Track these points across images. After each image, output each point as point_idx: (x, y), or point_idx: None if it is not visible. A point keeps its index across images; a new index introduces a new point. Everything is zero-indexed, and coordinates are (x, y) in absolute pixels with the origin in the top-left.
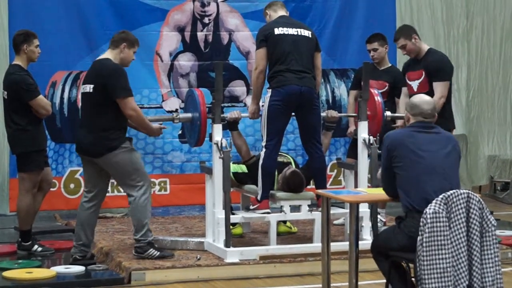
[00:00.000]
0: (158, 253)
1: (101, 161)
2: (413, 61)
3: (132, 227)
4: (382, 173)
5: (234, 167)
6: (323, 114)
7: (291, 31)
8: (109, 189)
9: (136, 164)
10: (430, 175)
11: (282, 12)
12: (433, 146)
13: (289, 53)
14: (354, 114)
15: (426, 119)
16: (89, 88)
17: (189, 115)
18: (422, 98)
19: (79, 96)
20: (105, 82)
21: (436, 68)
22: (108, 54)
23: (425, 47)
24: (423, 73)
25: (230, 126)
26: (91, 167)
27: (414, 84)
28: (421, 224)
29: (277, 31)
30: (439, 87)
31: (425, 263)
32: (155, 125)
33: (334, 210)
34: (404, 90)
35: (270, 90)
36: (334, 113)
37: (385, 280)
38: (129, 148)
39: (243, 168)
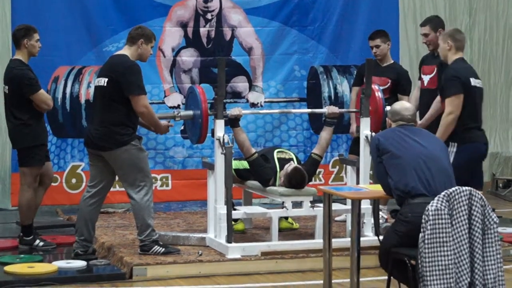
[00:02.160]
0: (163, 249)
1: (109, 155)
2: (430, 56)
3: (136, 227)
4: (376, 171)
5: (235, 164)
6: (324, 109)
7: (477, 82)
8: None
9: (143, 164)
10: (421, 158)
11: (462, 53)
12: (418, 138)
13: (479, 112)
14: (355, 110)
15: (408, 123)
16: (103, 81)
17: (190, 112)
18: (403, 105)
19: (82, 91)
20: (120, 77)
21: None
22: (126, 51)
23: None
24: (436, 68)
25: (232, 122)
26: (99, 162)
27: (426, 78)
28: (423, 221)
29: (473, 82)
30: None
31: (427, 260)
32: (163, 122)
33: (335, 207)
34: (418, 83)
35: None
36: (334, 109)
37: (386, 277)
38: (138, 147)
39: (244, 164)
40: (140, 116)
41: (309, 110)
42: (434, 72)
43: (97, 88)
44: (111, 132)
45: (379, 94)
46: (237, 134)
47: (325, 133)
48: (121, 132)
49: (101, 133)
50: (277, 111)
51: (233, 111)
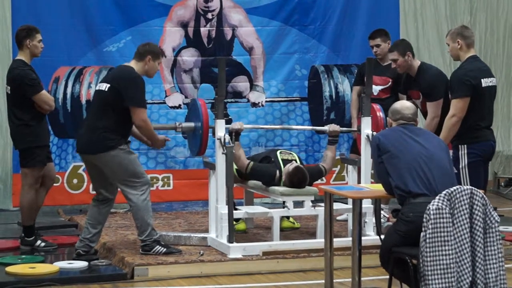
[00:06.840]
0: (165, 249)
1: (98, 159)
2: (409, 78)
3: (136, 228)
4: (376, 170)
5: None
6: (325, 127)
7: (489, 81)
8: None
9: (134, 166)
10: (421, 158)
11: (473, 50)
12: (419, 138)
13: (490, 111)
14: (355, 129)
15: (408, 122)
16: (104, 86)
17: (191, 124)
18: (403, 104)
19: (82, 92)
20: (123, 87)
21: (428, 87)
22: (133, 64)
23: (417, 63)
24: (420, 94)
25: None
26: (92, 168)
27: (418, 102)
28: (424, 220)
29: (484, 82)
30: (431, 108)
31: (428, 259)
32: (160, 136)
33: (337, 206)
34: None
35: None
36: (336, 127)
37: (388, 276)
38: (127, 150)
39: None
40: (138, 129)
41: (310, 127)
42: (422, 97)
43: (97, 92)
44: (99, 137)
45: (380, 114)
46: (236, 148)
47: (329, 152)
48: (109, 137)
49: (89, 136)
50: (278, 127)
51: (234, 125)
